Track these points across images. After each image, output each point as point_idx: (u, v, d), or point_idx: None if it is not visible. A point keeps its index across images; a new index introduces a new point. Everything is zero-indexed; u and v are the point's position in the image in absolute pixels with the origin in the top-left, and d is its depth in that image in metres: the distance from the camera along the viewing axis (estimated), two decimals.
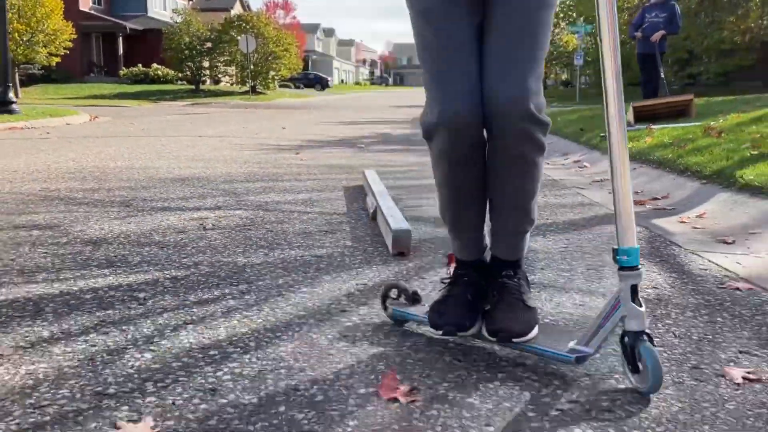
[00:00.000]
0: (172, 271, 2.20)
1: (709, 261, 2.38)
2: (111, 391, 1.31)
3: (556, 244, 2.66)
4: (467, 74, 1.40)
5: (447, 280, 1.61)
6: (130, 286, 2.02)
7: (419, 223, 3.01)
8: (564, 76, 37.79)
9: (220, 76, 29.91)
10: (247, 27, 26.90)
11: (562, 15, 25.39)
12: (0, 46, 11.14)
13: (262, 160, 5.64)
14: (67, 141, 7.36)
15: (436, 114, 1.41)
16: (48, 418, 1.20)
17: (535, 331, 1.45)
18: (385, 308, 1.71)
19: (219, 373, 1.39)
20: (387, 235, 2.58)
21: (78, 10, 29.06)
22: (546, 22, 1.44)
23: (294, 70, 30.35)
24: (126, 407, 1.24)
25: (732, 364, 1.47)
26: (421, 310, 1.61)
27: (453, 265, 1.65)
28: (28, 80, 25.68)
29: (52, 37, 21.19)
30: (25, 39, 20.16)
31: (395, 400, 1.27)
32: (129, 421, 1.18)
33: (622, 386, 1.35)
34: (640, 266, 1.31)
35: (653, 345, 1.30)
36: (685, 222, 3.10)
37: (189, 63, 27.61)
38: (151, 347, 1.54)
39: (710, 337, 1.63)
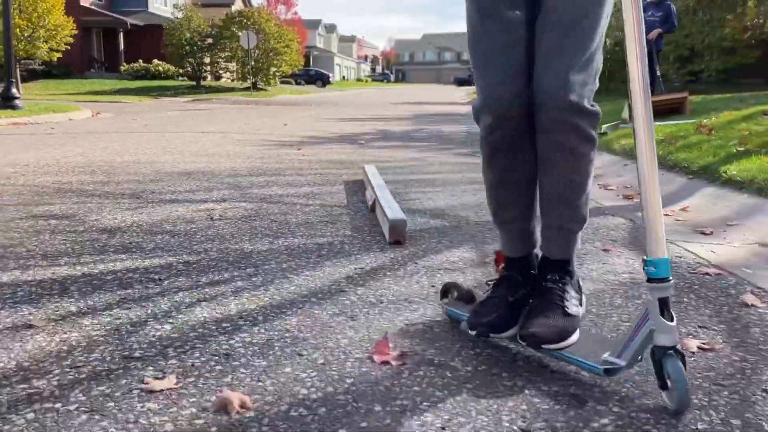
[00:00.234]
0: (184, 256, 2.37)
1: (686, 250, 2.54)
2: (137, 354, 1.48)
3: None
4: (511, 63, 1.45)
5: (492, 282, 1.61)
6: (146, 269, 2.19)
7: (415, 214, 3.18)
8: None
9: (221, 72, 29.98)
10: (248, 23, 26.98)
11: None
12: (5, 44, 11.30)
13: (265, 155, 5.79)
14: (72, 136, 7.52)
15: (481, 99, 1.48)
16: (84, 375, 1.38)
17: (572, 339, 1.40)
18: (445, 302, 1.73)
19: (232, 342, 1.57)
20: (384, 225, 2.75)
21: (79, 6, 29.20)
22: (597, 13, 1.43)
23: (295, 67, 30.40)
24: (151, 368, 1.41)
25: (690, 336, 1.64)
26: (470, 310, 1.59)
27: (502, 265, 1.67)
28: (29, 76, 25.79)
29: (53, 33, 21.27)
30: (26, 34, 20.26)
31: (387, 363, 1.45)
32: (155, 378, 1.36)
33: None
34: (670, 278, 1.26)
35: (683, 362, 1.25)
36: (668, 215, 3.25)
37: (190, 59, 27.68)
38: (170, 320, 1.71)
39: (675, 315, 1.80)
